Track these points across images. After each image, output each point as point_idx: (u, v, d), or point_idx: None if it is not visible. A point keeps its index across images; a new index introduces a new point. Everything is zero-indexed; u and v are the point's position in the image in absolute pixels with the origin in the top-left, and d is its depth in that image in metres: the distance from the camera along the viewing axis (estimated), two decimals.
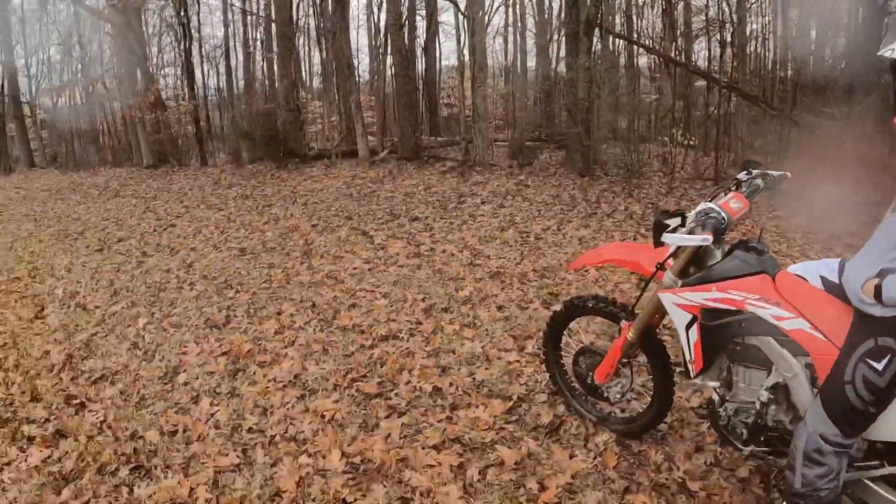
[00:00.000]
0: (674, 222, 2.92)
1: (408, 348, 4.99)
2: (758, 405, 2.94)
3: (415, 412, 4.04)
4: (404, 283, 6.66)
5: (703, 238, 2.71)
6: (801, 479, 2.58)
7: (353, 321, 5.60)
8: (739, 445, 3.01)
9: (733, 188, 3.26)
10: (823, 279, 2.83)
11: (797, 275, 2.90)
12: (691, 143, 15.46)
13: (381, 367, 4.68)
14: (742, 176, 3.34)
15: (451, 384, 4.39)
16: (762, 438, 2.96)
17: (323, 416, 3.99)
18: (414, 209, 10.52)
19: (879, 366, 2.40)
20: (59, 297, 7.12)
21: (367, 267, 7.28)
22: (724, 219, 2.85)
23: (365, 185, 13.26)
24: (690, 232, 2.85)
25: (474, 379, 4.46)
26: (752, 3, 22.96)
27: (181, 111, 21.89)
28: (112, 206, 13.40)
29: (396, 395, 4.27)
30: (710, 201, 3.02)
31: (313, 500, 3.29)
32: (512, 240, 8.39)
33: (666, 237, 2.85)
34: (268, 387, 4.44)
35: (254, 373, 4.71)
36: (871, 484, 2.71)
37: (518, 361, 4.71)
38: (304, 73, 26.85)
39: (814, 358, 2.66)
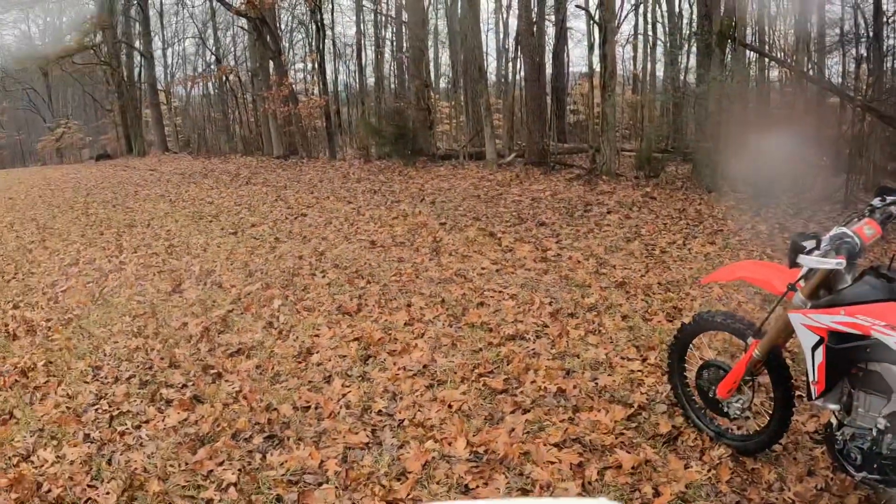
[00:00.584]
0: (809, 244, 2.96)
1: (534, 349, 5.05)
2: (875, 432, 2.90)
3: (538, 410, 4.10)
4: (531, 285, 6.72)
5: (838, 262, 2.76)
6: None
7: (481, 319, 5.69)
8: (852, 471, 2.98)
9: (867, 214, 3.23)
10: None
11: None
12: (822, 163, 14.97)
13: (508, 364, 4.76)
14: (877, 202, 3.30)
15: (574, 387, 4.43)
16: (875, 466, 2.92)
17: (450, 406, 4.10)
18: (540, 214, 10.56)
19: None
20: (196, 273, 7.51)
21: (495, 268, 7.38)
22: (857, 244, 2.86)
23: (492, 187, 13.38)
24: (825, 255, 2.87)
25: (597, 384, 4.49)
26: (889, 17, 21.98)
27: (312, 105, 22.49)
28: (244, 193, 13.97)
29: (521, 392, 4.34)
30: (844, 226, 3.03)
31: (437, 483, 3.40)
32: (637, 251, 8.32)
33: (802, 259, 2.89)
34: (397, 374, 4.59)
35: (384, 360, 4.87)
36: None
37: (640, 371, 4.72)
38: (432, 74, 27.25)
39: None
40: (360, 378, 4.60)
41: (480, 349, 5.04)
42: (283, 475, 3.51)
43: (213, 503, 3.35)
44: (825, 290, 3.06)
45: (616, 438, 3.80)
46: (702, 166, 13.89)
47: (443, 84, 29.93)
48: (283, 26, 25.88)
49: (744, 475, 3.49)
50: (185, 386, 4.66)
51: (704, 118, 13.72)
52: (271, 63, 22.30)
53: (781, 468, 3.53)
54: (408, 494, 3.33)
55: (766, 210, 11.41)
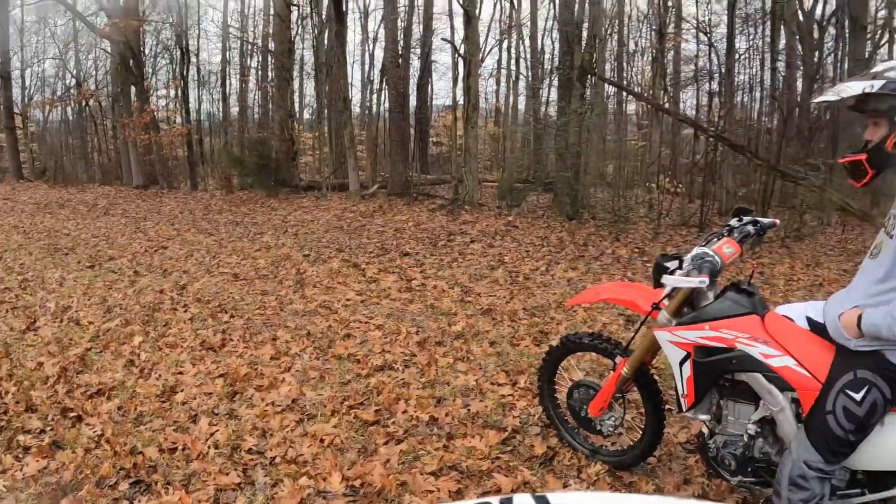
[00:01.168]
0: (672, 265, 3.11)
1: (403, 379, 5.06)
2: (745, 438, 3.06)
3: (412, 440, 4.10)
4: (397, 315, 6.74)
5: (701, 280, 2.90)
6: None
7: (348, 350, 5.65)
8: (727, 476, 3.12)
9: (726, 234, 3.42)
10: (809, 320, 3.00)
11: (785, 315, 3.05)
12: (677, 190, 15.70)
13: (378, 395, 4.73)
14: (734, 222, 3.54)
15: (446, 414, 4.45)
16: (749, 469, 3.07)
17: (322, 441, 4.03)
18: (404, 244, 10.63)
19: (858, 396, 2.57)
20: (52, 310, 7.13)
21: (360, 299, 7.35)
22: (718, 262, 3.02)
23: (355, 218, 13.38)
24: (687, 274, 3.01)
25: (469, 410, 4.52)
26: (740, 55, 23.40)
27: (174, 133, 21.90)
28: (102, 224, 13.43)
29: (394, 423, 4.32)
30: (704, 246, 3.19)
31: None
32: (501, 279, 8.49)
33: (665, 279, 3.03)
34: (266, 410, 4.48)
35: (251, 396, 4.74)
36: None
37: (511, 395, 4.79)
38: (297, 105, 27.07)
39: (799, 393, 2.79)
40: (227, 416, 4.46)
41: (349, 381, 4.99)
42: None
43: None
44: (689, 308, 3.20)
45: (492, 463, 3.84)
46: (562, 195, 14.33)
47: (307, 115, 29.81)
48: (147, 51, 25.11)
49: (622, 489, 3.61)
50: (43, 431, 4.38)
51: (564, 149, 14.14)
52: (133, 88, 21.59)
53: (658, 479, 3.67)
54: None
55: (625, 236, 11.86)
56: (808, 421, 2.73)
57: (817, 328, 2.91)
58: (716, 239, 3.36)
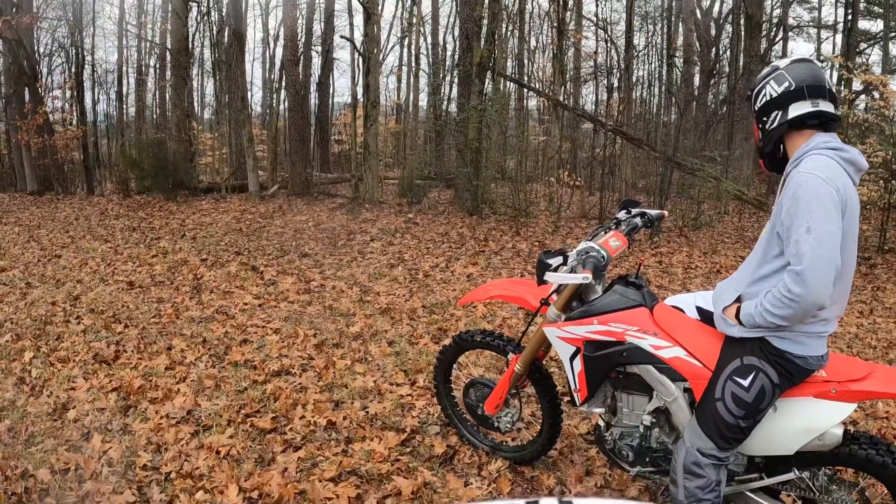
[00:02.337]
0: (556, 261, 3.07)
1: (301, 383, 5.02)
2: (641, 428, 3.11)
3: (310, 446, 4.07)
4: (295, 318, 6.68)
5: (584, 277, 2.87)
6: (683, 492, 2.76)
7: (244, 357, 5.57)
8: (626, 467, 3.19)
9: (613, 227, 3.46)
10: (699, 309, 3.08)
11: (674, 306, 3.13)
12: (577, 183, 15.99)
13: (275, 402, 4.69)
14: (622, 215, 3.58)
15: (344, 418, 4.44)
16: (647, 459, 3.12)
17: (218, 452, 3.97)
18: (304, 245, 10.53)
19: (745, 382, 2.63)
20: None
21: (258, 303, 7.25)
22: (603, 257, 3.02)
23: (255, 220, 13.17)
24: (572, 270, 3.01)
25: (367, 413, 4.53)
26: (639, 51, 24.01)
27: (69, 136, 21.04)
28: None
29: (291, 429, 4.29)
30: (590, 240, 3.20)
31: None
32: (401, 277, 8.51)
33: (548, 276, 2.99)
34: (160, 423, 4.37)
35: (146, 409, 4.62)
36: (751, 495, 2.94)
37: (410, 395, 4.82)
38: (196, 104, 26.42)
39: (691, 382, 2.85)
40: (120, 431, 4.33)
41: (245, 388, 4.92)
42: None
43: None
44: (578, 302, 3.21)
45: (392, 465, 3.85)
46: (463, 191, 14.41)
47: (208, 114, 29.15)
48: (41, 49, 24.08)
49: (524, 484, 3.66)
50: None
51: (464, 145, 14.22)
52: (26, 89, 20.65)
53: (560, 472, 3.74)
54: None
55: (525, 229, 12.01)
56: (699, 409, 2.79)
57: (707, 317, 2.98)
58: (603, 233, 3.38)
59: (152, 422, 4.40)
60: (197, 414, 4.53)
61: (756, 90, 2.70)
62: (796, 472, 2.84)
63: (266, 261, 9.37)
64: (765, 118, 2.68)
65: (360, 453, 3.98)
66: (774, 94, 2.64)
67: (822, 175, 2.45)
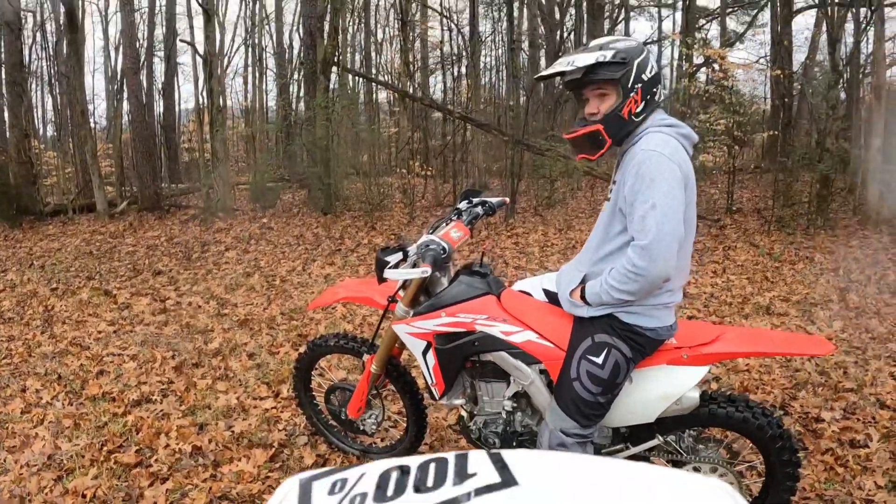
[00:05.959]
0: (395, 258, 3.00)
1: (162, 410, 4.87)
2: (504, 414, 3.14)
3: (177, 476, 3.95)
4: (152, 341, 6.45)
5: (423, 270, 2.86)
6: None
7: (102, 389, 5.33)
8: None
9: (454, 218, 3.47)
10: (546, 291, 3.13)
11: (522, 291, 3.18)
12: (430, 172, 16.11)
13: (138, 433, 4.52)
14: (463, 205, 3.60)
15: (210, 441, 4.34)
16: (514, 443, 3.15)
17: (84, 496, 3.79)
18: (157, 262, 10.18)
19: (599, 359, 2.70)
20: None
21: (113, 329, 6.94)
22: (444, 249, 2.99)
23: (105, 240, 12.58)
24: (414, 265, 2.99)
25: (233, 432, 4.44)
26: (485, 38, 24.31)
27: None
28: None
29: (156, 460, 4.15)
30: (430, 233, 3.18)
31: None
32: (258, 285, 8.39)
33: (387, 273, 2.94)
34: (21, 473, 4.12)
35: (4, 459, 4.35)
36: None
37: (275, 408, 4.76)
38: (36, 122, 24.92)
39: (545, 364, 2.91)
40: None
41: (106, 423, 4.71)
42: None
43: None
44: (425, 297, 3.19)
45: (263, 484, 3.80)
46: (315, 190, 14.28)
47: (50, 131, 27.60)
48: None
49: None
50: None
51: (313, 144, 14.07)
52: None
53: None
54: None
55: (381, 223, 12.03)
56: (557, 390, 2.83)
57: (554, 299, 3.02)
58: (444, 224, 3.38)
59: (13, 472, 4.14)
60: (58, 458, 4.29)
61: (640, 61, 2.62)
62: (660, 437, 2.94)
63: (119, 283, 8.99)
64: (654, 90, 2.67)
65: (230, 476, 3.91)
66: (655, 70, 2.67)
67: (665, 151, 2.52)
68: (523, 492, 1.12)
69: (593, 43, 2.71)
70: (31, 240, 13.38)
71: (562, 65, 2.67)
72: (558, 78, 2.78)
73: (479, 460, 1.23)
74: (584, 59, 2.60)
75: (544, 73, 2.81)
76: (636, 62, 2.61)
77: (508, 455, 1.25)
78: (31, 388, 5.50)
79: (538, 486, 1.15)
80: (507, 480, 1.15)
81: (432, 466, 1.23)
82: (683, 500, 1.19)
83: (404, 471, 1.23)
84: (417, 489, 1.16)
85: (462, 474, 1.18)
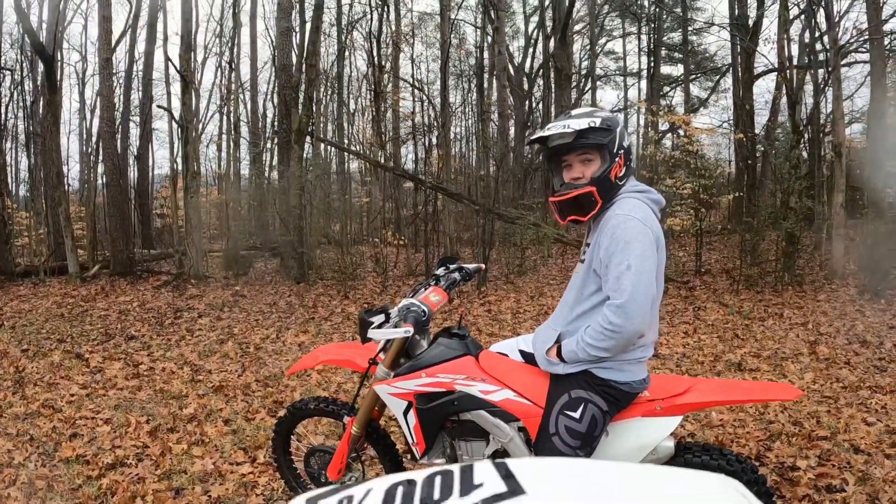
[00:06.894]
0: (378, 319, 3.10)
1: (138, 474, 4.81)
2: None
3: None
4: (126, 406, 6.39)
5: (406, 331, 2.93)
6: None
7: (76, 451, 5.25)
8: None
9: (433, 283, 3.55)
10: (522, 352, 3.21)
11: (499, 352, 3.25)
12: (402, 241, 16.22)
13: (112, 497, 4.47)
14: (440, 272, 3.69)
15: None
16: None
17: None
18: (130, 327, 10.11)
19: (576, 414, 2.76)
20: None
21: (85, 392, 6.86)
22: (424, 311, 3.08)
23: (76, 303, 12.48)
24: (395, 326, 3.05)
25: (210, 497, 4.39)
26: (455, 108, 24.77)
27: None
28: None
29: None
30: (411, 296, 3.28)
31: None
32: (232, 352, 8.36)
33: (371, 333, 3.02)
34: None
35: None
36: None
37: (252, 472, 4.71)
38: (9, 180, 24.79)
39: (524, 421, 2.96)
40: None
41: (80, 485, 4.65)
42: None
43: None
44: (405, 359, 3.26)
45: None
46: (288, 259, 14.31)
47: (23, 191, 27.49)
48: None
49: None
50: None
51: (286, 212, 14.16)
52: None
53: None
54: None
55: (353, 292, 12.06)
56: (536, 446, 2.88)
57: (530, 359, 3.10)
58: (423, 289, 3.45)
59: None
60: None
61: (620, 129, 2.81)
62: None
63: (91, 347, 8.91)
64: (630, 156, 2.86)
65: None
66: (629, 139, 2.86)
67: (638, 216, 2.67)
68: (530, 500, 1.14)
69: (578, 111, 2.88)
70: (2, 300, 13.24)
71: (558, 127, 2.80)
72: (535, 146, 2.94)
73: (484, 470, 1.25)
74: (577, 124, 2.76)
75: (540, 134, 2.92)
76: (618, 130, 2.81)
77: (514, 464, 1.27)
78: (3, 448, 5.42)
79: (545, 493, 1.17)
80: (514, 489, 1.17)
81: (438, 479, 1.25)
82: (695, 499, 1.22)
83: (410, 485, 1.25)
84: (424, 503, 1.18)
85: (468, 485, 1.20)
